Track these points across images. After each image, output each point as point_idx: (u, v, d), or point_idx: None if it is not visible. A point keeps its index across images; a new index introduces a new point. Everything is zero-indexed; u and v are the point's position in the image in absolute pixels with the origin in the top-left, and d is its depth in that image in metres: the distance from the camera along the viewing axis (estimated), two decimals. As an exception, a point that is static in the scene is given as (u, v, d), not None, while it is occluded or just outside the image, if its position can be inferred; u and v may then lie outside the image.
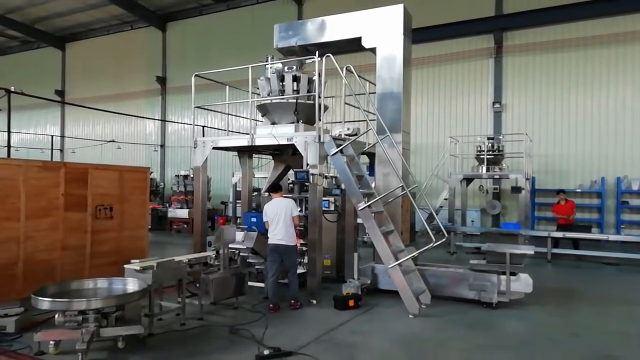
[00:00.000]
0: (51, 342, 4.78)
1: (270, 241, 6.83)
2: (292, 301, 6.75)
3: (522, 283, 6.89)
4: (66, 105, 26.08)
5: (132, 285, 5.30)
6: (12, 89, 11.11)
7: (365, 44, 8.10)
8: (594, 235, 12.07)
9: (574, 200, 12.82)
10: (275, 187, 7.31)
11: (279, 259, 6.80)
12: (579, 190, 13.60)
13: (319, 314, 6.50)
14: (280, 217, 6.77)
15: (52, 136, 22.01)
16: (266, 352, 4.78)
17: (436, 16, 16.24)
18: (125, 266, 5.58)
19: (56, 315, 4.76)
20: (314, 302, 6.98)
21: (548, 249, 11.09)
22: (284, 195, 7.37)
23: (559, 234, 11.40)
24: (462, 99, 16.83)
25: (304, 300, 6.93)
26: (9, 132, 10.57)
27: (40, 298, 4.63)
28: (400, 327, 5.98)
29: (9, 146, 10.73)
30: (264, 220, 6.93)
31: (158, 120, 22.49)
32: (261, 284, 7.54)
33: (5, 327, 5.34)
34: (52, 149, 20.24)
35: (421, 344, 5.37)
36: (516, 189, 12.87)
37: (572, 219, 12.27)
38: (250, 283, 7.23)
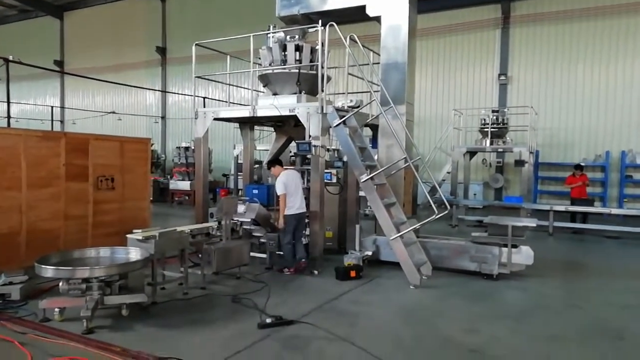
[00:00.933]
0: (56, 310, 4.84)
1: (290, 212, 7.00)
2: (302, 260, 7.06)
3: (523, 255, 6.91)
4: (66, 76, 25.75)
5: (134, 254, 5.33)
6: (11, 58, 10.93)
7: (370, 12, 7.89)
8: (597, 208, 12.06)
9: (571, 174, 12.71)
10: (279, 162, 7.48)
11: (295, 227, 7.05)
12: (583, 163, 13.49)
13: (321, 284, 6.55)
14: (299, 188, 7.13)
15: (52, 107, 21.83)
16: (268, 320, 4.83)
17: (442, -15, 15.81)
18: (127, 235, 5.60)
19: (60, 283, 4.80)
20: (316, 272, 7.03)
21: (550, 222, 11.09)
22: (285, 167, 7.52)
23: (561, 207, 11.40)
24: (467, 71, 16.56)
25: (306, 270, 7.04)
26: (8, 102, 10.47)
27: (44, 266, 4.67)
28: (401, 297, 6.03)
29: (8, 116, 10.65)
30: (282, 192, 6.93)
31: (158, 91, 22.25)
32: (263, 255, 7.59)
33: (11, 295, 5.39)
34: (52, 120, 20.11)
35: (422, 314, 5.42)
36: (520, 163, 12.80)
37: (585, 190, 12.17)
38: (252, 253, 7.27)
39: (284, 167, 7.47)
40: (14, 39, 26.75)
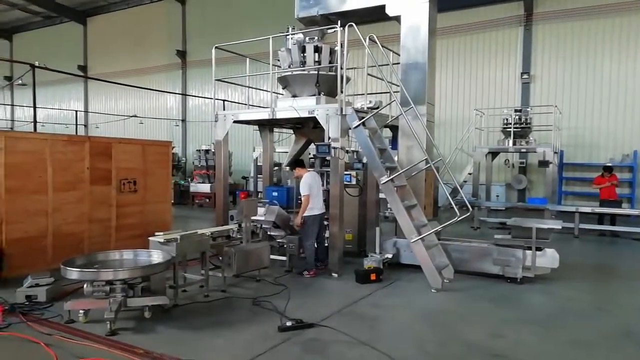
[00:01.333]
0: (81, 311, 4.92)
1: (313, 212, 7.07)
2: (322, 263, 7.20)
3: (548, 258, 6.74)
4: (89, 81, 26.34)
5: (156, 257, 5.38)
6: (37, 63, 11.21)
7: (390, 11, 7.83)
8: (624, 210, 11.71)
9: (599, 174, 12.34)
10: (302, 163, 7.57)
11: (318, 229, 7.18)
12: (609, 164, 13.12)
13: (341, 287, 6.52)
14: (320, 189, 7.24)
15: (76, 111, 22.32)
16: (288, 323, 4.82)
17: (463, -17, 15.60)
18: (149, 238, 5.67)
19: (85, 285, 4.89)
20: (335, 275, 6.99)
21: (575, 224, 10.82)
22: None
23: (587, 209, 11.10)
24: (489, 70, 16.29)
25: (325, 273, 7.05)
26: (34, 107, 10.71)
27: (70, 268, 4.75)
28: (423, 301, 5.95)
29: (35, 121, 10.90)
30: (307, 193, 6.98)
31: (179, 94, 22.53)
32: (283, 257, 7.59)
33: (37, 296, 5.51)
34: (76, 124, 20.54)
35: (444, 318, 5.33)
36: (544, 163, 12.49)
37: (614, 191, 11.76)
38: (272, 256, 7.28)
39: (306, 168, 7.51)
40: (39, 45, 27.51)
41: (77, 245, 7.22)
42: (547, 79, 15.43)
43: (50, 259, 6.80)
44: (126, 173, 8.10)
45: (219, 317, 5.23)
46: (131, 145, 8.38)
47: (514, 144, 13.23)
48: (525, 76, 15.57)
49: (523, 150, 13.49)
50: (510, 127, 13.15)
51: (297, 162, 7.63)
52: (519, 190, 15.62)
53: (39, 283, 5.63)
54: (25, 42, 28.73)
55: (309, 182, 7.04)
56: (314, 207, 7.07)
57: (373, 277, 6.67)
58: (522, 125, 13.23)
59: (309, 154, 9.81)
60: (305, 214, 7.03)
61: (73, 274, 4.74)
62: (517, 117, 13.25)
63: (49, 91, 26.94)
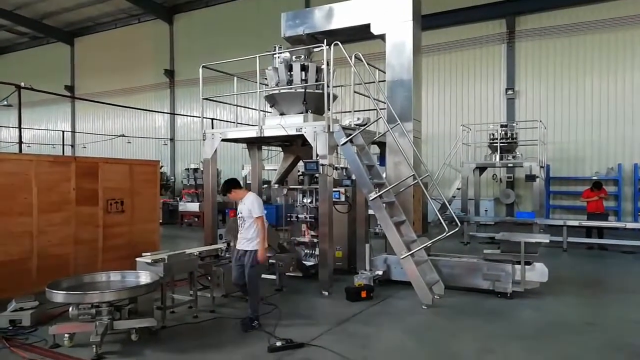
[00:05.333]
0: (66, 335, 4.81)
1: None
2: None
3: (538, 272, 6.76)
4: (76, 101, 26.22)
5: (144, 278, 5.31)
6: (22, 84, 11.16)
7: (374, 30, 7.96)
8: (611, 223, 11.84)
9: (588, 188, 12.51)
10: (238, 183, 5.93)
11: None
12: (595, 177, 13.32)
13: (331, 305, 6.46)
14: None
15: (62, 132, 22.16)
16: (278, 343, 4.76)
17: (446, 1, 15.94)
18: (137, 259, 5.59)
19: (70, 309, 4.79)
20: (326, 293, 6.94)
21: (564, 238, 10.90)
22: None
23: (575, 222, 11.21)
24: (474, 86, 16.56)
25: (315, 292, 6.94)
26: (19, 127, 10.63)
27: (55, 291, 4.66)
28: (414, 318, 5.92)
29: (20, 142, 10.81)
30: (261, 215, 5.50)
31: (167, 113, 22.52)
32: (272, 276, 7.52)
33: (21, 321, 5.38)
34: (63, 145, 20.39)
35: (435, 335, 5.30)
36: (530, 177, 12.64)
37: (602, 204, 11.84)
38: (261, 275, 7.20)
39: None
40: (25, 65, 27.41)
41: (63, 267, 7.09)
42: (531, 95, 15.73)
43: (35, 282, 6.65)
44: (113, 193, 8.02)
45: (207, 338, 5.14)
46: (118, 165, 8.32)
47: (501, 158, 13.40)
48: (509, 92, 15.85)
49: (510, 165, 13.65)
50: (496, 142, 13.34)
51: (231, 182, 5.77)
52: (507, 204, 15.75)
53: (23, 307, 5.50)
54: (11, 63, 28.60)
55: (259, 202, 5.57)
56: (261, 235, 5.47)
57: (364, 294, 6.62)
58: (508, 140, 13.43)
59: (298, 171, 9.82)
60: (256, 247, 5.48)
61: (58, 296, 4.65)
62: (503, 132, 13.45)
63: (35, 112, 26.76)
